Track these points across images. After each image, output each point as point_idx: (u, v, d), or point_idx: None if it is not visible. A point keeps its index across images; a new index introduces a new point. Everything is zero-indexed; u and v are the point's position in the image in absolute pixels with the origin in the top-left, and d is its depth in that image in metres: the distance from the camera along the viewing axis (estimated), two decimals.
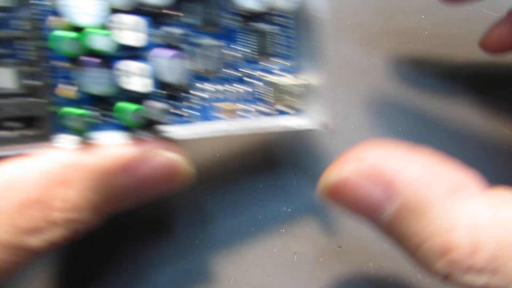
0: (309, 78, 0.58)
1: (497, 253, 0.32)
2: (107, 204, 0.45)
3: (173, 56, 0.49)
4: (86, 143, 0.47)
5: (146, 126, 0.51)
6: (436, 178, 0.36)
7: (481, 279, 0.32)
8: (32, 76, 0.46)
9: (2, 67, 0.45)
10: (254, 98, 0.58)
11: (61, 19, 0.45)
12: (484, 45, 0.71)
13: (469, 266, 0.32)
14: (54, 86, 0.47)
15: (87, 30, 0.44)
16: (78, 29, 0.45)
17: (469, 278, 0.33)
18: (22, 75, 0.45)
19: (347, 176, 0.39)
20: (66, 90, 0.46)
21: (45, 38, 0.46)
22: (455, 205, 0.34)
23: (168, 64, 0.49)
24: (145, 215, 0.60)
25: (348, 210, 0.40)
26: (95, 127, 0.50)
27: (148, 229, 0.61)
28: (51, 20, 0.45)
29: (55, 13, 0.46)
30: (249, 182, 0.64)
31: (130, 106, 0.46)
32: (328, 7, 0.53)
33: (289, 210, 0.62)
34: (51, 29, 0.46)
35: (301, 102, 0.58)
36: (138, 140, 0.48)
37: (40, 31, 0.45)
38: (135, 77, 0.47)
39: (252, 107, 0.57)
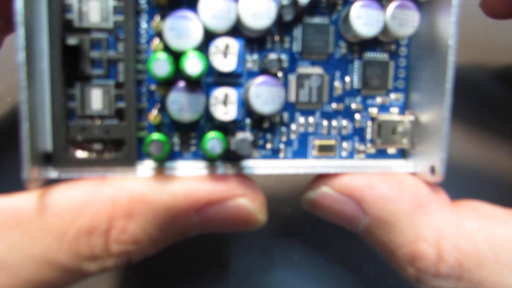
0: (421, 114, 0.49)
1: (461, 261, 0.35)
2: (168, 239, 0.42)
3: (267, 84, 0.44)
4: (163, 171, 0.44)
5: (230, 159, 0.47)
6: (402, 195, 0.41)
7: (448, 284, 0.36)
8: (122, 99, 0.44)
9: (95, 88, 0.44)
10: (356, 135, 0.51)
11: (159, 43, 0.43)
12: (484, 8, 0.64)
13: (435, 273, 0.36)
14: (144, 110, 0.45)
15: (182, 54, 0.41)
16: (175, 53, 0.42)
17: (437, 283, 0.37)
18: (113, 97, 0.44)
19: (325, 191, 0.45)
20: (154, 115, 0.44)
21: (140, 61, 0.44)
22: (420, 219, 0.39)
23: (262, 92, 0.44)
24: (204, 249, 0.57)
25: (329, 219, 0.46)
26: (175, 155, 0.47)
27: (205, 264, 0.57)
28: (152, 43, 0.43)
29: (154, 36, 0.44)
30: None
31: (215, 135, 0.43)
32: (456, 32, 0.44)
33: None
34: (149, 52, 0.44)
35: (409, 141, 0.50)
36: (216, 176, 0.44)
37: (136, 54, 0.44)
38: (224, 104, 0.44)
39: (352, 145, 0.51)
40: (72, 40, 0.42)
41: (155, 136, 0.41)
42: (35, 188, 0.40)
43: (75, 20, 0.43)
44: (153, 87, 0.45)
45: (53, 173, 0.43)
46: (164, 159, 0.42)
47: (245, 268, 0.60)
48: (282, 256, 0.62)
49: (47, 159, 0.43)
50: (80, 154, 0.44)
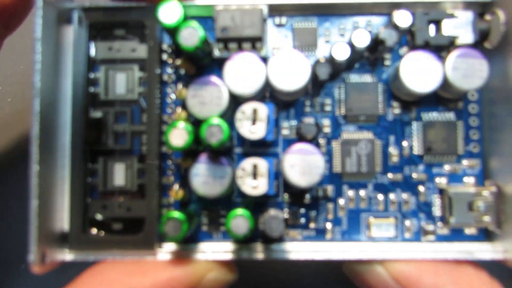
0: (506, 184, 0.39)
1: None
2: None
3: (303, 152, 0.38)
4: (183, 254, 0.39)
5: (265, 241, 0.40)
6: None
7: None
8: (144, 173, 0.40)
9: (118, 163, 0.41)
10: (421, 212, 0.41)
11: (181, 111, 0.40)
12: None
13: None
14: (168, 186, 0.41)
15: (205, 121, 0.37)
16: (198, 122, 0.38)
17: None
18: (135, 172, 0.41)
19: (379, 272, 0.38)
20: (175, 190, 0.39)
21: (162, 132, 0.41)
22: None
23: (297, 161, 0.38)
24: None
25: None
26: (203, 236, 0.41)
27: None
28: (175, 112, 0.40)
29: (180, 106, 0.41)
30: None
31: (240, 213, 0.36)
32: None
33: None
34: (172, 122, 0.41)
35: (492, 219, 0.39)
36: (174, 261, 0.38)
37: (160, 125, 0.41)
38: (253, 177, 0.38)
39: (418, 224, 0.41)
40: (96, 113, 0.41)
41: (172, 214, 0.36)
42: (44, 271, 0.36)
43: (100, 93, 0.41)
44: (172, 160, 0.41)
45: (69, 255, 0.39)
46: (182, 240, 0.36)
47: None
48: None
49: (62, 240, 0.39)
50: (99, 234, 0.40)
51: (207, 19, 0.42)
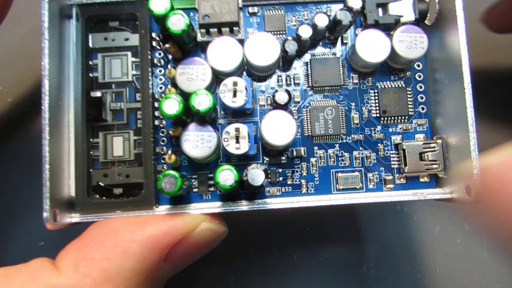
0: (449, 137, 0.46)
1: None
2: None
3: (277, 116, 0.45)
4: (177, 210, 0.44)
5: (248, 197, 0.46)
6: None
7: None
8: (140, 144, 0.46)
9: (116, 136, 0.46)
10: (379, 165, 0.48)
11: (172, 88, 0.46)
12: (486, 21, 0.60)
13: None
14: (162, 155, 0.47)
15: (193, 93, 0.43)
16: (186, 97, 0.44)
17: None
18: (131, 144, 0.46)
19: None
20: (168, 156, 0.45)
21: (157, 108, 0.47)
22: None
23: (272, 124, 0.44)
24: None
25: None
26: (194, 197, 0.47)
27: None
28: (167, 90, 0.46)
29: (169, 84, 0.47)
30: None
31: (226, 167, 0.42)
32: (467, 52, 0.43)
33: None
34: (165, 95, 0.47)
35: (438, 166, 0.46)
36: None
37: (153, 101, 0.46)
38: (236, 139, 0.44)
39: (377, 176, 0.48)
40: (96, 93, 0.46)
41: (168, 172, 0.42)
42: (56, 228, 0.41)
43: (99, 77, 0.47)
44: (165, 131, 0.47)
45: (75, 218, 0.44)
46: (177, 193, 0.42)
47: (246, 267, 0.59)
48: (282, 256, 0.60)
49: (70, 206, 0.44)
50: (101, 198, 0.45)
51: (189, 11, 0.48)
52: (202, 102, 0.42)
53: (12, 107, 0.62)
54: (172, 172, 0.42)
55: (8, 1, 0.50)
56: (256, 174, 0.42)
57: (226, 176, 0.42)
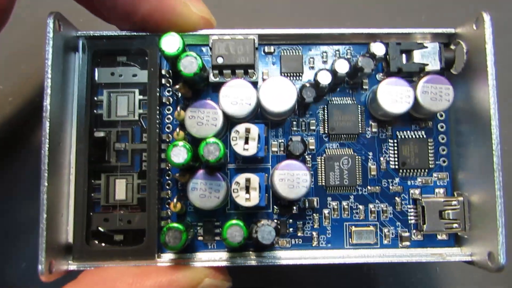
0: (472, 194, 0.44)
1: None
2: None
3: (291, 167, 0.42)
4: (181, 263, 0.42)
5: (256, 249, 0.44)
6: None
7: None
8: (144, 188, 0.44)
9: (119, 178, 0.44)
10: (397, 220, 0.46)
11: (180, 131, 0.43)
12: None
13: None
14: (167, 200, 0.45)
15: (202, 140, 0.40)
16: (195, 141, 0.42)
17: None
18: (134, 187, 0.44)
19: None
20: (173, 203, 0.43)
21: (164, 151, 0.44)
22: None
23: (285, 176, 0.42)
24: None
25: None
26: (199, 245, 0.44)
27: None
28: (175, 133, 0.44)
29: (178, 126, 0.45)
30: None
31: (235, 223, 0.40)
32: (496, 101, 0.40)
33: None
34: (172, 142, 0.44)
35: (461, 225, 0.44)
36: (167, 268, 0.41)
37: (160, 143, 0.44)
38: (246, 190, 0.41)
39: (393, 231, 0.45)
40: (99, 133, 0.44)
41: (173, 225, 0.39)
42: (51, 279, 0.39)
43: (103, 115, 0.45)
44: (172, 176, 0.45)
45: (72, 266, 0.42)
46: (181, 249, 0.40)
47: None
48: None
49: (68, 251, 0.42)
50: (101, 245, 0.43)
51: (202, 47, 0.46)
52: (212, 151, 0.40)
53: (13, 106, 0.60)
54: (176, 225, 0.39)
55: (11, 1, 0.48)
56: (267, 232, 0.40)
57: (234, 232, 0.40)
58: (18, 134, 0.60)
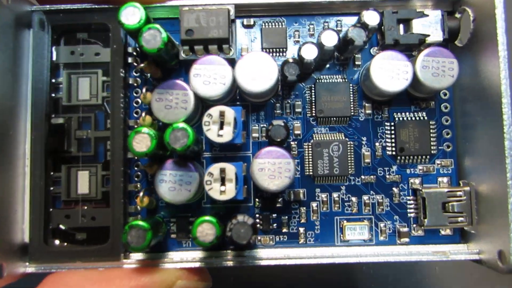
0: (480, 184, 0.38)
1: None
2: None
3: (271, 155, 0.37)
4: (151, 264, 0.37)
5: (234, 248, 0.39)
6: None
7: None
8: (108, 180, 0.39)
9: (82, 170, 0.39)
10: (393, 213, 0.41)
11: (146, 116, 0.39)
12: None
13: None
14: (135, 194, 0.40)
15: (169, 127, 0.35)
16: (165, 127, 0.37)
17: None
18: (99, 179, 0.39)
19: None
20: (140, 197, 0.38)
21: (127, 137, 0.40)
22: None
23: (265, 165, 0.37)
24: None
25: None
26: (172, 244, 0.40)
27: None
28: (140, 117, 0.39)
29: (145, 111, 0.40)
30: None
31: (206, 220, 0.35)
32: (508, 75, 0.35)
33: None
34: (135, 128, 0.39)
35: (465, 219, 0.39)
36: (140, 269, 0.37)
37: (124, 129, 0.39)
38: (221, 182, 0.37)
39: (390, 226, 0.40)
40: (58, 119, 0.39)
41: (135, 222, 0.35)
42: (2, 284, 0.35)
43: (63, 99, 0.40)
44: (138, 167, 0.40)
45: (29, 268, 0.37)
46: (147, 249, 0.35)
47: None
48: None
49: (24, 251, 0.38)
50: (61, 245, 0.38)
51: (174, 21, 0.41)
52: (179, 138, 0.35)
53: None
54: (141, 223, 0.35)
55: None
56: (242, 231, 0.35)
57: (205, 230, 0.35)
58: None
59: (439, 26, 0.39)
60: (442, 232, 0.40)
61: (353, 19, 0.41)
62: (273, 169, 0.36)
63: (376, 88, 0.38)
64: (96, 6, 0.39)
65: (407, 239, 0.40)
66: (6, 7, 0.36)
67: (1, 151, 0.35)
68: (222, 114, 0.37)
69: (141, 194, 0.38)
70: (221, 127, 0.37)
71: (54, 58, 0.40)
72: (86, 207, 0.39)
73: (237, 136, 0.37)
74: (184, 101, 0.37)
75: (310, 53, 0.38)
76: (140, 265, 0.37)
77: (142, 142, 0.35)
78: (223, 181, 0.36)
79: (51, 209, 0.39)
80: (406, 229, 0.40)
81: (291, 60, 0.38)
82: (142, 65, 0.38)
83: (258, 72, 0.37)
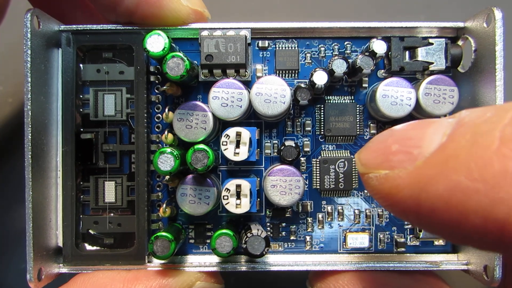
0: None
1: None
2: None
3: (283, 173, 0.41)
4: (170, 267, 0.41)
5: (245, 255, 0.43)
6: None
7: None
8: (133, 190, 0.43)
9: (108, 180, 0.43)
10: (392, 224, 0.44)
11: (168, 134, 0.42)
12: None
13: None
14: (157, 202, 0.44)
15: (191, 146, 0.39)
16: (185, 143, 0.41)
17: None
18: (124, 189, 0.43)
19: None
20: (163, 208, 0.42)
21: (152, 152, 0.43)
22: None
23: (277, 182, 0.40)
24: None
25: None
26: (191, 248, 0.44)
27: None
28: (163, 135, 0.42)
29: (167, 129, 0.43)
30: None
31: (224, 232, 0.39)
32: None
33: None
34: (161, 144, 0.43)
35: None
36: (160, 272, 0.41)
37: (147, 144, 0.42)
38: (237, 197, 0.40)
39: (388, 236, 0.44)
40: (86, 135, 0.42)
41: (161, 233, 0.39)
42: (40, 286, 0.39)
43: (90, 114, 0.43)
44: (161, 181, 0.44)
45: (63, 269, 0.42)
46: (170, 257, 0.39)
47: None
48: None
49: (58, 254, 0.42)
50: (91, 249, 0.43)
51: (192, 41, 0.43)
52: (200, 159, 0.38)
53: (13, 107, 0.59)
54: (165, 234, 0.39)
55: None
56: (256, 243, 0.39)
57: (223, 242, 0.39)
58: (18, 136, 0.58)
59: (442, 54, 0.42)
60: (436, 243, 0.44)
61: (361, 43, 0.44)
62: (284, 185, 0.40)
63: (381, 112, 0.41)
64: (121, 28, 0.42)
65: (403, 249, 0.44)
66: (38, 31, 0.39)
67: (37, 165, 0.39)
68: (238, 134, 0.40)
69: (164, 205, 0.42)
70: (237, 146, 0.40)
71: (82, 75, 0.43)
72: (112, 214, 0.43)
73: (252, 155, 0.40)
74: (204, 122, 0.40)
75: (321, 79, 0.40)
76: (162, 268, 0.41)
77: (166, 162, 0.38)
78: (238, 195, 0.40)
79: (81, 216, 0.43)
80: (402, 240, 0.44)
81: (303, 86, 0.41)
82: (165, 87, 0.41)
83: (273, 97, 0.40)
